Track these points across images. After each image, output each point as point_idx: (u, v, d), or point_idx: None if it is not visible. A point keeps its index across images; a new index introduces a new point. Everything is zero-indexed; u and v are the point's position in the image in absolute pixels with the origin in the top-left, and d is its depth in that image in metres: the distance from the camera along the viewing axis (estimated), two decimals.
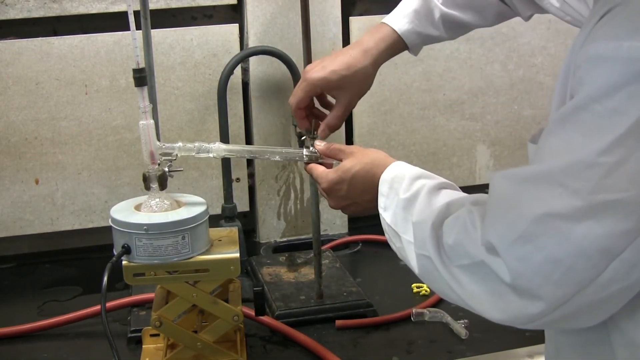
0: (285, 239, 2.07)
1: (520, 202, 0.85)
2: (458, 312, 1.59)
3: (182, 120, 1.96)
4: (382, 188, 1.13)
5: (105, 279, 1.23)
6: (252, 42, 1.94)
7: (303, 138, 1.37)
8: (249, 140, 2.00)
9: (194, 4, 1.93)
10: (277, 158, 1.35)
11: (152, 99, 1.42)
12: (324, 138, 1.33)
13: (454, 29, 1.39)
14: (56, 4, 1.84)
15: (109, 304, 1.60)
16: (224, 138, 1.86)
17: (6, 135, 1.87)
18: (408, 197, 1.07)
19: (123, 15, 1.26)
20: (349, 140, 2.07)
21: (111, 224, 1.27)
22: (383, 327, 1.61)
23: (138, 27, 1.35)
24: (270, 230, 2.06)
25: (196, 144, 1.29)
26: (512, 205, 0.86)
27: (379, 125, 2.09)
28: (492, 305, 0.90)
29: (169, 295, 1.36)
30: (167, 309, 1.33)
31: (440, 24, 1.37)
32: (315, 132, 1.35)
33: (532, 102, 2.18)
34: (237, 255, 1.29)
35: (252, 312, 1.49)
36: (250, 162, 2.03)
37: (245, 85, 1.99)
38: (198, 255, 1.28)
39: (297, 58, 1.79)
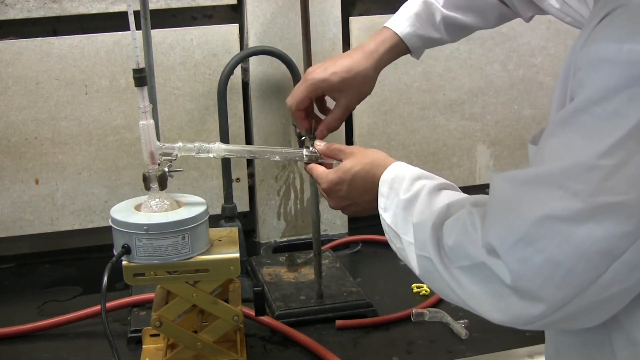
0: (285, 239, 2.06)
1: (521, 204, 0.85)
2: (458, 312, 1.59)
3: (182, 120, 1.95)
4: (382, 188, 1.13)
5: (105, 279, 1.23)
6: (252, 42, 1.94)
7: (303, 138, 1.37)
8: (249, 140, 2.00)
9: (194, 4, 1.93)
10: (277, 158, 1.35)
11: (152, 99, 1.42)
12: (322, 139, 1.33)
13: (455, 31, 1.40)
14: (56, 4, 1.84)
15: (109, 304, 1.60)
16: (224, 138, 1.86)
17: (6, 135, 1.87)
18: (408, 198, 1.07)
19: (123, 15, 1.26)
20: (349, 140, 2.07)
21: (111, 224, 1.27)
22: (383, 327, 1.61)
23: (138, 27, 1.35)
24: (270, 230, 2.06)
25: (196, 144, 1.29)
26: (513, 207, 0.86)
27: (379, 125, 2.09)
28: (492, 307, 0.90)
29: (169, 295, 1.36)
30: (167, 309, 1.33)
31: (441, 27, 1.37)
32: (315, 133, 1.35)
33: (532, 102, 2.18)
34: (237, 255, 1.29)
35: (252, 312, 1.49)
36: (250, 162, 2.03)
37: (245, 85, 1.99)
38: (198, 255, 1.28)
39: (297, 58, 1.79)
